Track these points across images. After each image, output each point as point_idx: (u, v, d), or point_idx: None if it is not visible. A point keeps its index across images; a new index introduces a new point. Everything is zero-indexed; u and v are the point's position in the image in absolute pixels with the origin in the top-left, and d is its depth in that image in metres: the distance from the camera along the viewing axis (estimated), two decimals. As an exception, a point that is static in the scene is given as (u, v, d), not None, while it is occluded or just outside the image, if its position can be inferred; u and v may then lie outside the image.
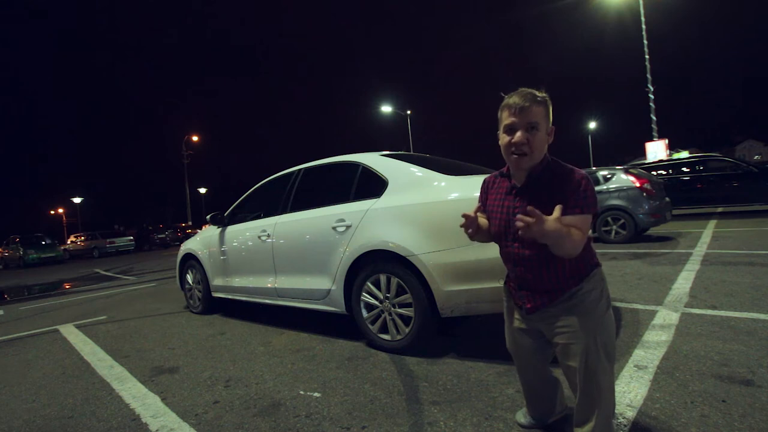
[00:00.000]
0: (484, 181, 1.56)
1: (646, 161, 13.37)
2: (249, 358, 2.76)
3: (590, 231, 1.33)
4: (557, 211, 1.17)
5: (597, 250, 1.52)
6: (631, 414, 1.64)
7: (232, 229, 3.90)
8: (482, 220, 1.52)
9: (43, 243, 19.39)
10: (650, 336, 2.46)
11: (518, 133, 1.30)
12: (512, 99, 1.32)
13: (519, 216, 1.16)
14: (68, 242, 23.86)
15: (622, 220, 6.65)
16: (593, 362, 1.28)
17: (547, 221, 1.13)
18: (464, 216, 1.40)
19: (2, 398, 2.46)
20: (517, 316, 1.50)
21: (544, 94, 1.33)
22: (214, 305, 4.22)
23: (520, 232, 1.17)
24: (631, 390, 1.83)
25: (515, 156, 1.33)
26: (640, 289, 3.60)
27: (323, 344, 2.90)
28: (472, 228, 1.40)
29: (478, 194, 2.24)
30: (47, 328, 4.32)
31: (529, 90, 1.33)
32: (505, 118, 1.33)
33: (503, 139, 1.35)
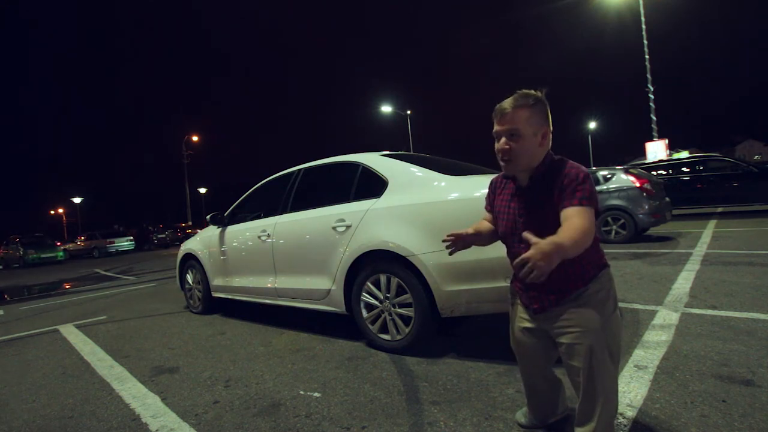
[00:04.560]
0: (492, 182, 1.57)
1: (646, 161, 13.36)
2: (249, 358, 2.76)
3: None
4: (531, 239, 1.12)
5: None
6: (631, 414, 1.64)
7: (232, 229, 3.90)
8: (484, 224, 1.54)
9: (47, 243, 19.42)
10: (650, 336, 2.46)
11: (501, 141, 1.31)
12: (500, 104, 1.33)
13: (522, 274, 1.09)
14: (59, 244, 23.75)
15: (622, 220, 6.65)
16: (597, 363, 1.28)
17: (531, 257, 1.07)
18: (453, 235, 1.46)
19: (2, 398, 2.46)
20: (523, 315, 1.49)
21: (536, 95, 1.31)
22: (214, 305, 4.21)
23: (533, 278, 1.09)
24: (631, 390, 1.83)
25: (502, 162, 1.35)
26: (640, 289, 3.60)
27: (323, 344, 2.90)
28: (456, 246, 1.47)
29: (479, 194, 2.25)
30: (47, 328, 4.32)
31: (522, 92, 1.32)
32: (494, 125, 1.35)
33: (495, 145, 1.36)
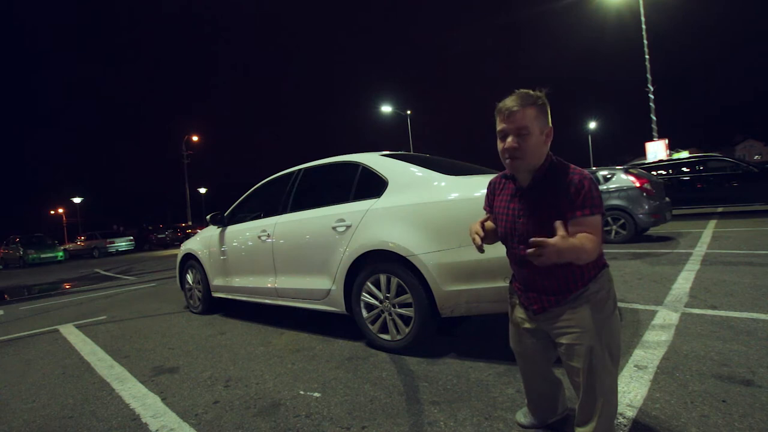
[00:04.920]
0: (490, 183, 1.57)
1: (646, 161, 13.37)
2: (249, 358, 2.76)
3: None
4: (560, 229, 1.15)
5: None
6: (631, 414, 1.64)
7: (232, 229, 3.90)
8: (488, 224, 1.53)
9: (47, 243, 19.42)
10: (650, 336, 2.46)
11: (509, 139, 1.31)
12: (504, 103, 1.32)
13: (528, 252, 1.14)
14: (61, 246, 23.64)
15: (622, 220, 6.65)
16: (597, 363, 1.28)
17: (555, 243, 1.11)
18: (476, 232, 1.42)
19: (2, 398, 2.46)
20: (522, 316, 1.50)
21: (539, 95, 1.32)
22: (214, 305, 4.21)
23: (535, 261, 1.14)
24: (631, 390, 1.83)
25: (508, 161, 1.34)
26: (640, 289, 3.60)
27: (323, 344, 2.90)
28: (483, 239, 1.43)
29: (479, 194, 2.25)
30: (47, 328, 4.32)
31: (524, 91, 1.33)
32: (498, 124, 1.35)
33: (498, 144, 1.36)
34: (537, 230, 1.33)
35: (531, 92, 1.32)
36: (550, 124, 1.35)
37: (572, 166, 1.33)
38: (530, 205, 1.36)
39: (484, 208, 1.58)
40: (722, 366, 2.00)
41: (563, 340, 1.34)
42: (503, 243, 1.50)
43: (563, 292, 1.34)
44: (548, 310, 1.38)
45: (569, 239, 1.15)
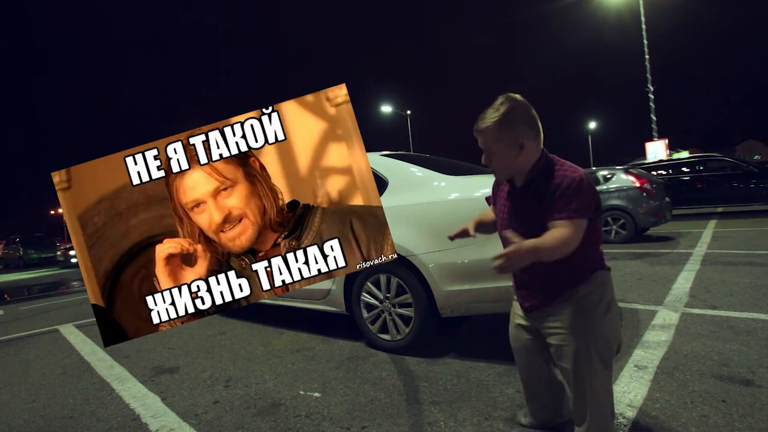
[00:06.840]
0: (495, 181, 1.62)
1: (646, 161, 13.36)
2: (249, 358, 2.76)
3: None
4: (514, 238, 1.19)
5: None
6: (631, 414, 1.64)
7: (232, 229, 3.89)
8: (489, 214, 1.65)
9: (47, 243, 19.40)
10: (650, 336, 2.46)
11: (483, 155, 1.39)
12: (478, 120, 1.37)
13: (494, 266, 1.15)
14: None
15: (622, 220, 6.65)
16: (584, 365, 1.28)
17: (511, 252, 1.13)
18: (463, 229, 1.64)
19: (2, 398, 2.47)
20: (518, 312, 1.52)
21: (503, 111, 1.29)
22: (214, 305, 4.21)
23: (503, 272, 1.18)
24: (631, 390, 1.83)
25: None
26: (640, 289, 3.60)
27: (323, 344, 2.90)
28: (482, 229, 1.63)
29: (479, 194, 2.31)
30: (47, 328, 4.32)
31: (494, 106, 1.32)
32: None
33: None
34: (524, 230, 1.32)
35: (500, 106, 1.30)
36: (530, 131, 1.31)
37: (567, 164, 1.31)
38: (517, 205, 1.39)
39: (489, 202, 1.65)
40: (722, 366, 2.00)
41: (552, 341, 1.35)
42: (501, 239, 1.51)
43: (549, 291, 1.35)
44: (538, 308, 1.39)
45: (527, 242, 1.15)
